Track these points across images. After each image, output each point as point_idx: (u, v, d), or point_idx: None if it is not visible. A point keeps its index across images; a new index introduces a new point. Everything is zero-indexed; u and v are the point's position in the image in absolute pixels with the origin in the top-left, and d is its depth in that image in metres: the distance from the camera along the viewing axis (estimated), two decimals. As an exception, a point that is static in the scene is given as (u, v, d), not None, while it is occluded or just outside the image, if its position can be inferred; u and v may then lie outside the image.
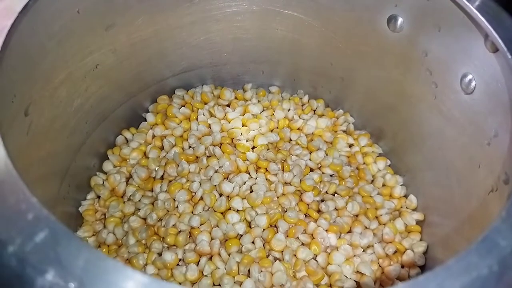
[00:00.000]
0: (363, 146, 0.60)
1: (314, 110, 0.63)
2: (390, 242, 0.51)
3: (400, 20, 0.47)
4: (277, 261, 0.47)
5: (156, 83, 0.59)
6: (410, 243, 0.50)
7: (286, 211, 0.51)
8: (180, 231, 0.49)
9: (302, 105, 0.64)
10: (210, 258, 0.47)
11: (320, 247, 0.48)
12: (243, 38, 0.58)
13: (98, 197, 0.53)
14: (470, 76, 0.42)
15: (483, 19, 0.37)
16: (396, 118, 0.56)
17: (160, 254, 0.47)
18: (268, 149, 0.56)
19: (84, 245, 0.22)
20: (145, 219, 0.50)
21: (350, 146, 0.60)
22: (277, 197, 0.52)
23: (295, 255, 0.48)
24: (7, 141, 0.28)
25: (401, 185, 0.56)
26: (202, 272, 0.46)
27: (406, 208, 0.54)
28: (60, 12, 0.40)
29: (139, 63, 0.54)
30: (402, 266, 0.50)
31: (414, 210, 0.54)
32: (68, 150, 0.49)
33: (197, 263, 0.47)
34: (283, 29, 0.56)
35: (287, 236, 0.49)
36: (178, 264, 0.47)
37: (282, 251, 0.47)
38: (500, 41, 0.35)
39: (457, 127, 0.45)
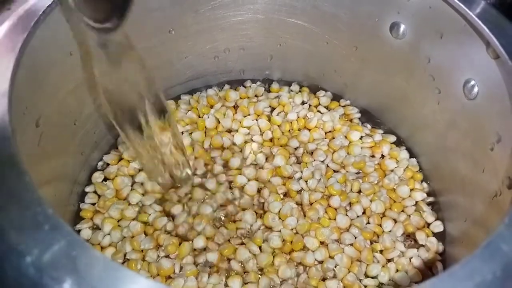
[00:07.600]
0: (382, 133, 0.58)
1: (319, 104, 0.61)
2: (420, 229, 0.50)
3: (402, 27, 0.47)
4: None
5: (162, 90, 0.60)
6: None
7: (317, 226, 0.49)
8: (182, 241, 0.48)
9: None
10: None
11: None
12: (248, 46, 0.58)
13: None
14: (472, 82, 0.42)
15: (484, 27, 0.37)
16: (400, 123, 0.56)
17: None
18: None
19: (100, 255, 0.23)
20: (146, 223, 0.49)
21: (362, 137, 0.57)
22: (306, 208, 0.51)
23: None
24: (20, 153, 0.29)
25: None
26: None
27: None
28: (69, 25, 0.41)
29: (146, 72, 0.55)
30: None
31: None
32: (77, 159, 0.50)
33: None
34: (288, 37, 0.57)
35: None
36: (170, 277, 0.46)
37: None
38: (501, 48, 0.36)
39: (460, 132, 0.45)
